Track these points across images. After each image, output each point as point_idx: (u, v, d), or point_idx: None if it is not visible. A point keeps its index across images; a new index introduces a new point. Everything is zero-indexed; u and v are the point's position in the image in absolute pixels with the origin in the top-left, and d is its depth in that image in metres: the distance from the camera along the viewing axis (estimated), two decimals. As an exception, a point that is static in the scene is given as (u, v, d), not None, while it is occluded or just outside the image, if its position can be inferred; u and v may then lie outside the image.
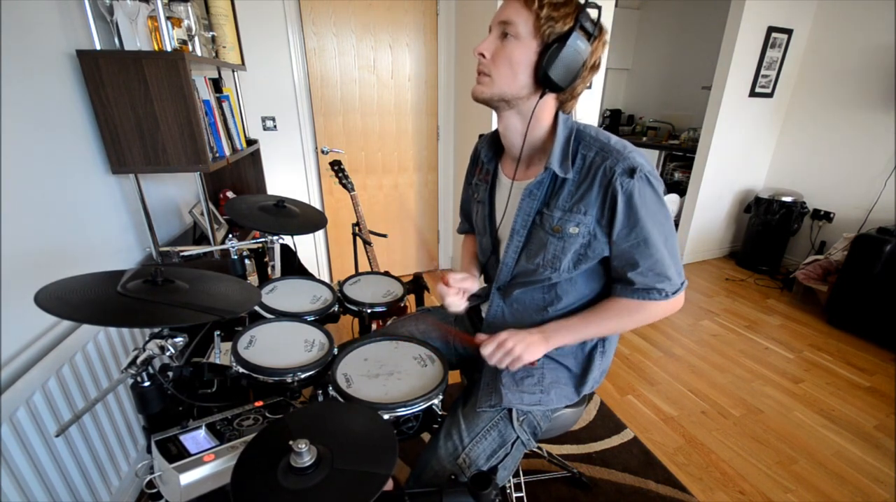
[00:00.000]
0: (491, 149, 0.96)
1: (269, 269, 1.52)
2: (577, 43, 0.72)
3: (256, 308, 1.10)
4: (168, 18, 1.30)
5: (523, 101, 0.79)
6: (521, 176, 0.89)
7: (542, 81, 0.75)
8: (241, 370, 0.88)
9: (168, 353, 0.76)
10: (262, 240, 1.41)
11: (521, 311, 0.95)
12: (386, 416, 0.79)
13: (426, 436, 0.91)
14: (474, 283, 1.00)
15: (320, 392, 0.86)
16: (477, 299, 1.12)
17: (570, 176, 0.80)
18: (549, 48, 0.72)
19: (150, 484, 0.72)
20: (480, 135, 1.00)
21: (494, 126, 0.89)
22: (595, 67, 0.79)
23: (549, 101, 0.80)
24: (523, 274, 0.90)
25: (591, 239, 0.81)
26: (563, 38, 0.72)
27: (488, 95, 0.79)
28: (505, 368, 0.89)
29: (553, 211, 0.82)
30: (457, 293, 0.95)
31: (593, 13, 0.75)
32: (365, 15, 2.47)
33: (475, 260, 1.11)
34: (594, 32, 0.75)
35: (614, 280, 0.86)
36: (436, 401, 0.85)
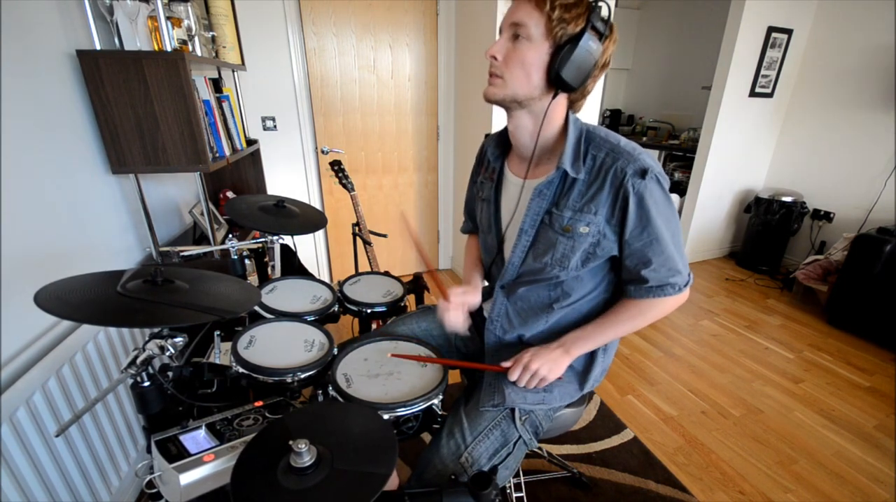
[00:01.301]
0: (498, 147, 0.97)
1: (269, 269, 1.52)
2: (590, 44, 0.73)
3: (256, 308, 1.10)
4: (168, 18, 1.30)
5: (535, 102, 0.80)
6: (530, 175, 0.89)
7: (555, 82, 0.76)
8: (241, 370, 0.88)
9: (168, 353, 0.76)
10: (262, 240, 1.41)
11: (525, 309, 0.95)
12: (386, 416, 0.79)
13: (427, 436, 0.91)
14: (476, 296, 1.01)
15: (320, 392, 0.86)
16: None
17: (581, 175, 0.81)
18: (562, 49, 0.73)
19: (150, 484, 0.72)
20: (487, 135, 1.00)
21: (494, 126, 0.89)
22: (606, 66, 0.80)
23: (561, 100, 0.81)
24: (529, 272, 0.91)
25: (600, 238, 0.82)
26: (576, 39, 0.72)
27: (501, 97, 0.79)
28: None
29: (563, 210, 0.83)
30: (457, 308, 0.95)
31: (604, 11, 0.75)
32: (365, 15, 2.47)
33: (478, 264, 1.11)
34: (605, 32, 0.75)
35: (626, 281, 0.87)
36: (436, 401, 0.85)
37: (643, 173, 0.75)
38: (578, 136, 0.82)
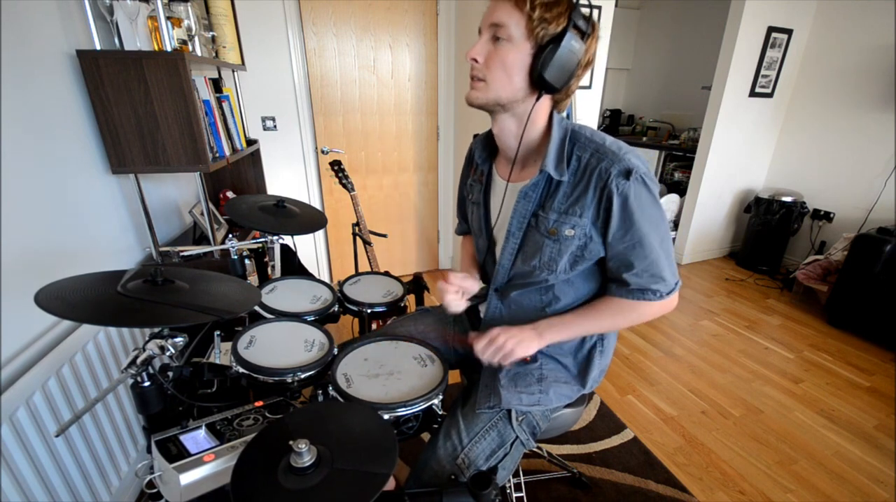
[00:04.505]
0: (485, 149, 0.96)
1: (269, 269, 1.52)
2: (572, 43, 0.71)
3: (256, 308, 1.10)
4: (168, 18, 1.30)
5: (519, 104, 0.78)
6: (516, 177, 0.89)
7: (538, 83, 0.74)
8: (241, 370, 0.88)
9: (168, 353, 0.76)
10: (262, 240, 1.41)
11: (519, 313, 0.94)
12: (386, 416, 0.79)
13: (426, 436, 0.91)
14: (475, 284, 1.00)
15: (320, 392, 0.86)
16: (475, 299, 1.11)
17: (565, 178, 0.79)
18: (544, 50, 0.71)
19: (150, 484, 0.72)
20: (475, 136, 1.00)
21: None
22: (589, 64, 0.78)
23: (545, 101, 0.80)
24: (520, 275, 0.90)
25: (587, 241, 0.80)
26: (558, 39, 0.70)
27: (483, 101, 0.78)
28: (502, 368, 0.89)
29: (548, 213, 0.82)
30: (456, 291, 0.95)
31: (584, 10, 0.73)
32: (365, 15, 2.47)
33: (475, 261, 1.11)
34: (587, 30, 0.74)
35: (609, 279, 0.86)
36: (436, 401, 0.85)
37: (627, 174, 0.73)
38: (563, 137, 0.81)
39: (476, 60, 0.75)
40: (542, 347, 0.87)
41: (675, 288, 0.83)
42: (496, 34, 0.73)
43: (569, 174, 0.79)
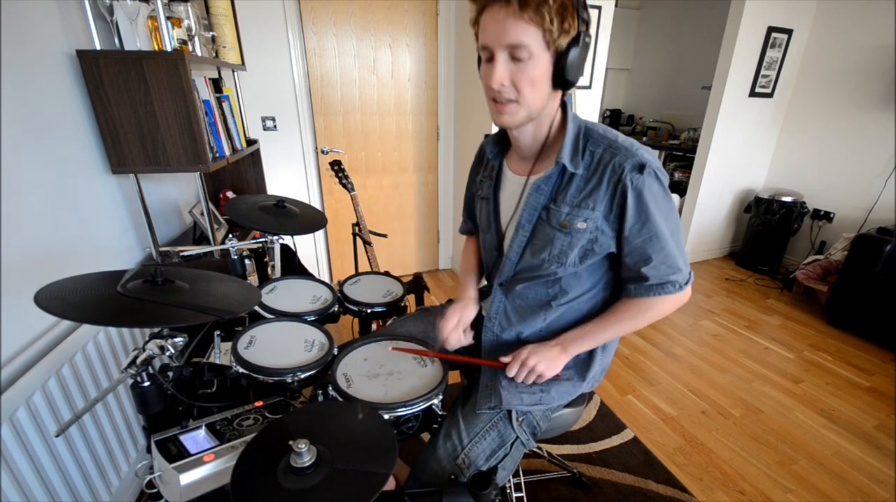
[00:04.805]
0: (497, 145, 0.97)
1: (269, 269, 1.52)
2: (586, 40, 0.73)
3: (256, 308, 1.10)
4: (168, 18, 1.30)
5: (544, 109, 0.80)
6: (528, 171, 0.89)
7: (560, 84, 0.76)
8: (241, 370, 0.88)
9: (168, 353, 0.76)
10: (262, 240, 1.41)
11: (523, 307, 0.94)
12: (386, 416, 0.79)
13: (426, 436, 0.91)
14: (472, 310, 1.00)
15: (320, 392, 0.86)
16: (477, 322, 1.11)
17: (579, 171, 0.80)
18: (564, 55, 0.72)
19: (150, 484, 0.72)
20: (486, 135, 1.00)
21: (494, 126, 0.89)
22: None
23: (559, 95, 0.81)
24: (527, 269, 0.90)
25: (598, 234, 0.82)
26: (575, 41, 0.72)
27: (518, 121, 0.79)
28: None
29: (561, 206, 0.83)
30: (455, 329, 0.95)
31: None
32: (365, 15, 2.47)
33: (474, 269, 1.10)
34: (588, 19, 0.75)
35: (626, 280, 0.86)
36: (436, 401, 0.85)
37: (641, 168, 0.75)
38: (577, 132, 0.82)
39: (504, 85, 0.74)
40: (567, 361, 0.90)
41: (689, 278, 0.85)
42: (515, 55, 0.71)
43: (582, 168, 0.81)
